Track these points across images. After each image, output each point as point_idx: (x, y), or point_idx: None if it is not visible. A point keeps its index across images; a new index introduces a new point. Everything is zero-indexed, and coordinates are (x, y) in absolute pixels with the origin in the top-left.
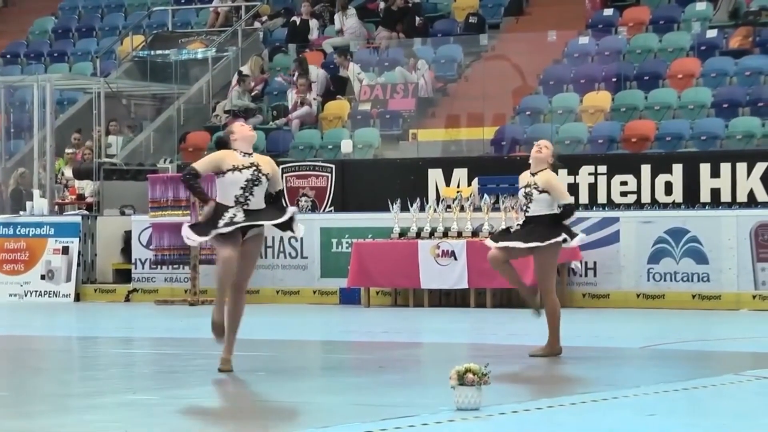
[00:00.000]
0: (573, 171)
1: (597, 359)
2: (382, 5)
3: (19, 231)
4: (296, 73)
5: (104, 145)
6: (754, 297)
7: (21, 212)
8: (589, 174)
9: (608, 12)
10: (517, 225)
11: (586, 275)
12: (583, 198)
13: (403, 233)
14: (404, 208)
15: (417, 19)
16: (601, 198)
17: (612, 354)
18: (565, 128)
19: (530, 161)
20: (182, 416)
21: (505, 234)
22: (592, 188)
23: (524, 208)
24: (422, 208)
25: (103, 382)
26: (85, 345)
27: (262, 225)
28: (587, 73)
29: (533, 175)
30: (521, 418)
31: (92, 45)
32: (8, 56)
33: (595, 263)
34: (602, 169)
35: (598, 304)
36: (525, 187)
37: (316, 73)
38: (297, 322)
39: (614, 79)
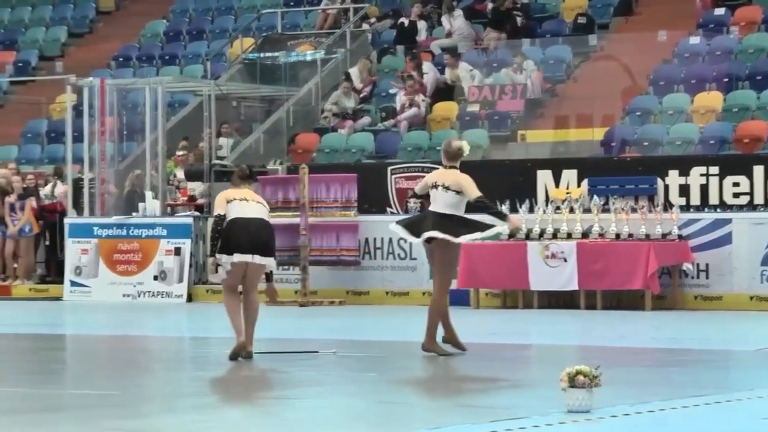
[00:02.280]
0: (684, 172)
1: (709, 362)
2: (490, 6)
3: (132, 232)
4: (404, 75)
5: (215, 146)
6: None
7: (134, 213)
8: (701, 175)
9: (719, 11)
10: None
11: (698, 277)
12: (695, 199)
13: (512, 235)
14: (513, 210)
15: (518, 20)
16: (713, 199)
17: (725, 356)
18: (675, 129)
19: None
20: (292, 417)
21: None
22: (704, 189)
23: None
24: (531, 210)
25: (214, 383)
26: (196, 345)
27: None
28: (698, 73)
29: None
30: (632, 421)
31: (202, 48)
32: (121, 59)
33: (707, 265)
34: (714, 170)
35: (710, 306)
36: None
37: (429, 71)
38: (406, 324)
39: (726, 79)
